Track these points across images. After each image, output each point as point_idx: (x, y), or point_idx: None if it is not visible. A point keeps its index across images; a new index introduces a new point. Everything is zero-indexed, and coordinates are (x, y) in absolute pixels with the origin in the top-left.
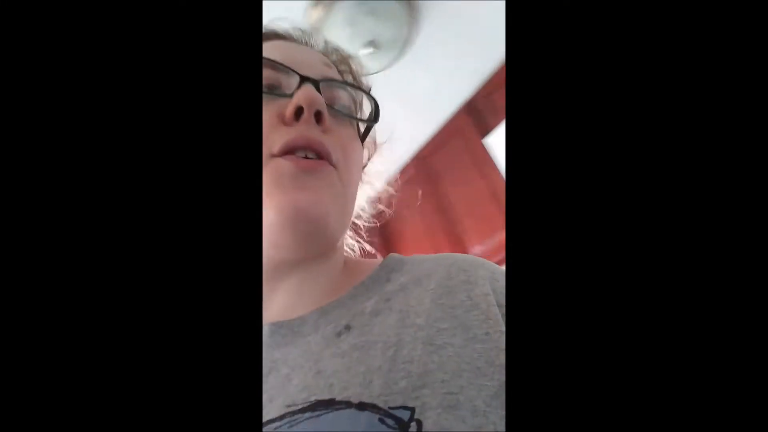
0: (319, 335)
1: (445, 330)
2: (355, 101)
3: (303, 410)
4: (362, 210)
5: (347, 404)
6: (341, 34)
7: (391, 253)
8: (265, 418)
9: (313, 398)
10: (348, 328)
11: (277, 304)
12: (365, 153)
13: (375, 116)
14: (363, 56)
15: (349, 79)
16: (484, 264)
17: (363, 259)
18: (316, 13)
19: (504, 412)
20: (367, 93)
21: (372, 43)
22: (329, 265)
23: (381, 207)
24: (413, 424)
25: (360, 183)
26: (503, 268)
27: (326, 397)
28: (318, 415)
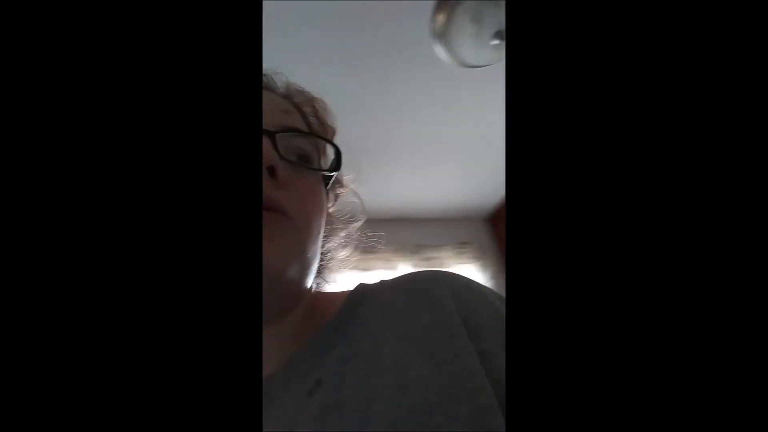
0: (291, 396)
1: (413, 363)
2: (317, 148)
3: None
4: (330, 256)
5: None
6: (468, 32)
7: (360, 283)
8: None
9: None
10: (319, 383)
11: None
12: (332, 197)
13: (337, 165)
14: (493, 47)
15: (313, 121)
16: (444, 279)
17: (332, 292)
18: (442, 18)
19: None
20: (329, 141)
21: (498, 35)
22: (295, 315)
23: (344, 254)
24: None
25: (327, 228)
26: (466, 278)
27: None
28: None
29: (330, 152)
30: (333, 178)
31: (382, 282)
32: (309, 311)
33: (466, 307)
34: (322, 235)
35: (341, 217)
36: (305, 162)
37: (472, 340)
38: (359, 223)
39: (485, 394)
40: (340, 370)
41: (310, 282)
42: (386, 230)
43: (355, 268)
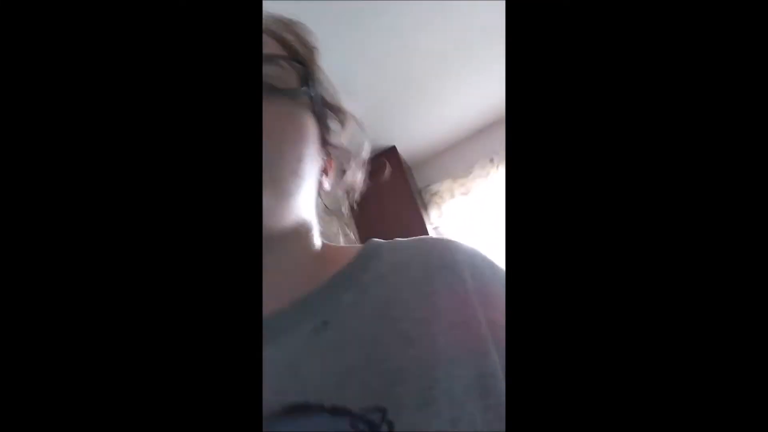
0: (297, 333)
1: (421, 320)
2: (300, 74)
3: (279, 414)
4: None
5: (320, 408)
6: None
7: (371, 239)
8: None
9: (288, 402)
10: (325, 324)
11: None
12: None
13: (304, 84)
14: None
15: (298, 47)
16: (462, 248)
17: (343, 246)
18: None
19: (483, 402)
20: (301, 62)
21: None
22: (295, 251)
23: (341, 192)
24: (384, 425)
25: (322, 161)
26: (481, 252)
27: (301, 400)
28: (292, 419)
29: (323, 78)
30: (318, 103)
31: (396, 241)
32: (320, 258)
33: (479, 276)
34: (302, 162)
35: (341, 147)
36: (269, 89)
37: (483, 309)
38: (365, 151)
39: (489, 361)
40: (348, 313)
41: (302, 210)
42: None
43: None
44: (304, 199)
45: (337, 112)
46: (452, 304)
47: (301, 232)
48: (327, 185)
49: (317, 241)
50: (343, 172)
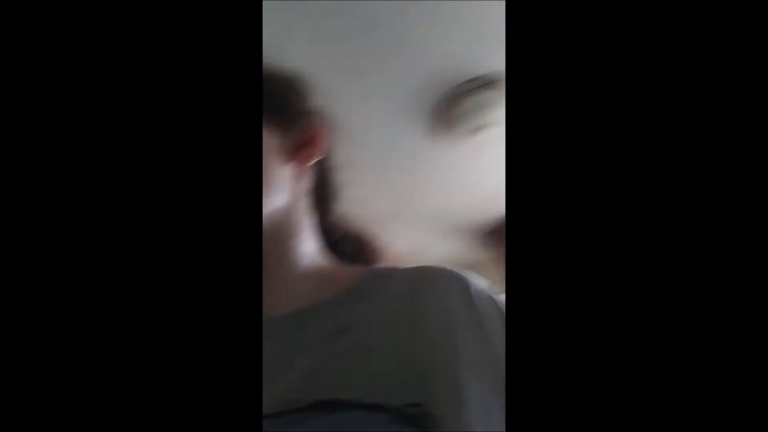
0: (315, 331)
1: (442, 329)
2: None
3: (306, 409)
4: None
5: (354, 405)
6: None
7: (376, 266)
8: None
9: (317, 399)
10: (344, 329)
11: None
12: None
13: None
14: None
15: None
16: (470, 277)
17: (347, 268)
18: None
19: (503, 402)
20: None
21: None
22: (309, 274)
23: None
24: (422, 418)
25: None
26: (483, 280)
27: (330, 397)
28: (324, 415)
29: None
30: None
31: (402, 267)
32: (325, 278)
33: (491, 297)
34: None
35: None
36: None
37: (499, 327)
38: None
39: (503, 369)
40: (366, 322)
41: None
42: None
43: None
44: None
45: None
46: (468, 323)
47: (295, 240)
48: (310, 158)
49: (315, 255)
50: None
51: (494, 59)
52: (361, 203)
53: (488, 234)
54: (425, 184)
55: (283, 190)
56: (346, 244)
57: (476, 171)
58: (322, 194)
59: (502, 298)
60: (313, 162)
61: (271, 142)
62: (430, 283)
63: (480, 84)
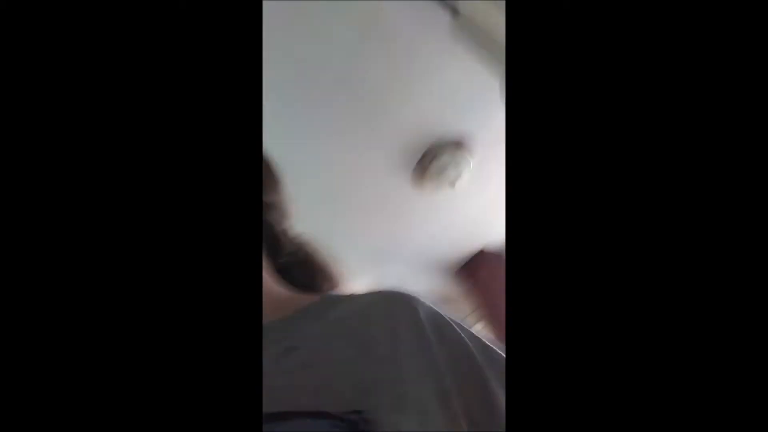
0: (264, 354)
1: (387, 345)
2: None
3: None
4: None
5: (298, 414)
6: None
7: (326, 293)
8: None
9: (264, 411)
10: (292, 349)
11: None
12: None
13: None
14: None
15: None
16: (416, 297)
17: (296, 293)
18: None
19: (445, 412)
20: None
21: None
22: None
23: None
24: (362, 423)
25: None
26: (429, 303)
27: (275, 410)
28: (271, 427)
29: None
30: None
31: (353, 295)
32: (278, 302)
33: (437, 318)
34: None
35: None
36: None
37: (441, 345)
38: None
39: (447, 381)
40: (314, 341)
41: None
42: None
43: None
44: None
45: None
46: (412, 339)
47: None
48: None
49: (268, 280)
50: None
51: (466, 121)
52: (319, 233)
53: (460, 270)
54: (406, 227)
55: None
56: (301, 272)
57: (452, 215)
58: (270, 222)
59: (448, 319)
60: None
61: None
62: (379, 305)
63: (451, 143)
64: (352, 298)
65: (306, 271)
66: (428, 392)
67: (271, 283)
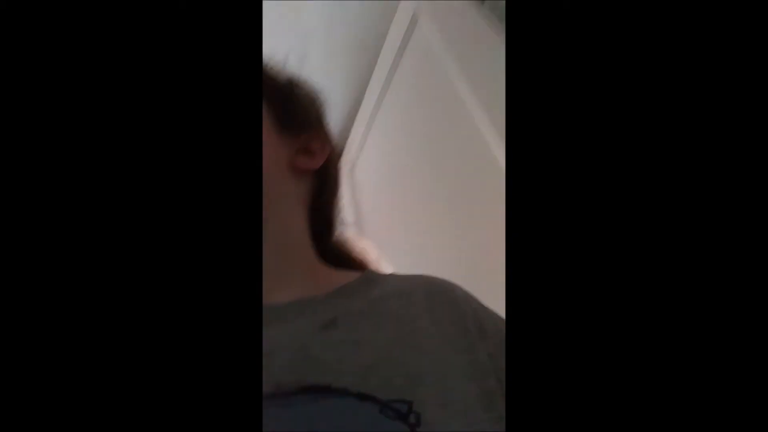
0: (303, 323)
1: (431, 337)
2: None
3: (295, 393)
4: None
5: (345, 392)
6: None
7: (369, 269)
8: None
9: (306, 382)
10: (334, 321)
11: None
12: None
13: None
14: None
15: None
16: (459, 287)
17: (341, 271)
18: None
19: (488, 415)
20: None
21: None
22: (302, 281)
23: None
24: (412, 416)
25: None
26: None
27: (321, 383)
28: (314, 399)
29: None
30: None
31: (395, 274)
32: (314, 275)
33: (478, 312)
34: (281, 190)
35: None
36: None
37: (483, 342)
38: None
39: (491, 381)
40: (357, 318)
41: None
42: None
43: None
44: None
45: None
46: (456, 333)
47: (289, 239)
48: (310, 164)
49: (311, 254)
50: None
51: None
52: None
53: None
54: None
55: (281, 192)
56: (338, 251)
57: None
58: (320, 202)
59: (488, 312)
60: (312, 169)
61: (275, 145)
62: (420, 291)
63: None
64: (394, 277)
65: (346, 253)
66: (472, 392)
67: (313, 260)
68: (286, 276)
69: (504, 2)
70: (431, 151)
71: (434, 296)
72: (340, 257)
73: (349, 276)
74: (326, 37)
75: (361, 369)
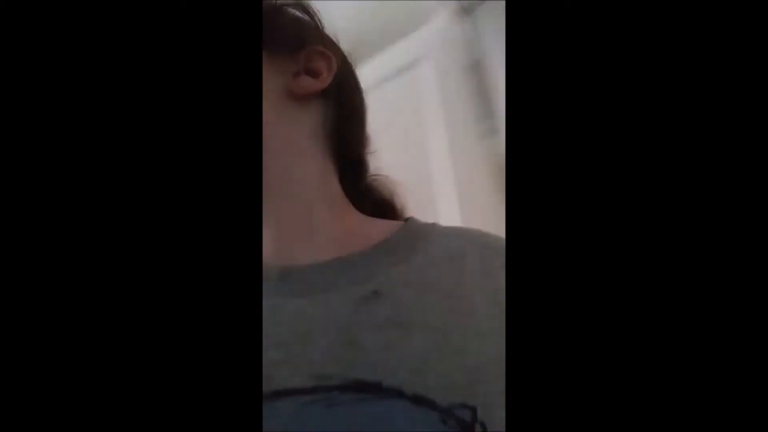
0: (343, 295)
1: (491, 316)
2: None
3: (341, 388)
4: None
5: (399, 394)
6: None
7: (411, 217)
8: (289, 384)
9: (352, 376)
10: (376, 294)
11: (268, 230)
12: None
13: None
14: None
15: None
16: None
17: (377, 219)
18: None
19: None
20: None
21: None
22: (331, 222)
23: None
24: (477, 426)
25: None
26: None
27: (370, 378)
28: (363, 399)
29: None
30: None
31: (443, 226)
32: (353, 222)
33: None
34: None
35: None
36: None
37: None
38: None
39: None
40: (404, 293)
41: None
42: None
43: None
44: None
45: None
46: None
47: (314, 175)
48: (315, 85)
49: (341, 198)
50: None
51: None
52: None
53: None
54: None
55: (282, 125)
56: (369, 195)
57: None
58: (341, 132)
59: None
60: (315, 91)
61: (267, 69)
62: (476, 252)
63: None
64: (440, 231)
65: (380, 196)
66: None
67: (343, 204)
68: (310, 227)
69: None
70: None
71: (486, 263)
72: (375, 202)
73: (388, 227)
74: None
75: (415, 362)
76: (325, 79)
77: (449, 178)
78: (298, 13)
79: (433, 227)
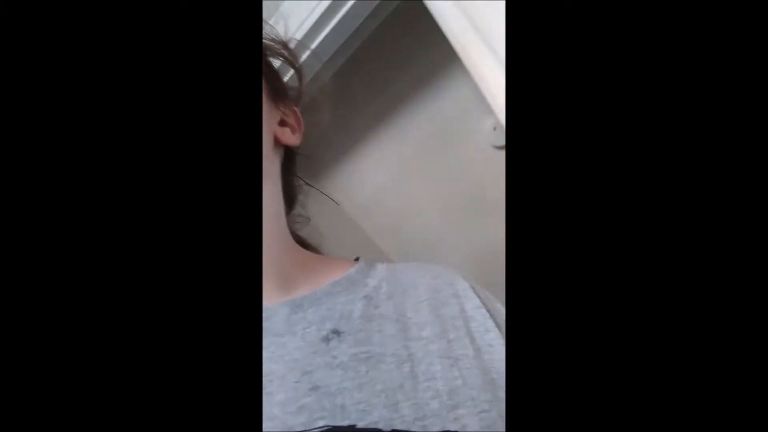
0: (298, 338)
1: (455, 341)
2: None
3: None
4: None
5: None
6: None
7: (359, 258)
8: None
9: (321, 424)
10: (337, 333)
11: None
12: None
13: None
14: None
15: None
16: (462, 276)
17: (328, 257)
18: None
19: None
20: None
21: None
22: (281, 259)
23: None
24: None
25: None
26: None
27: (342, 422)
28: None
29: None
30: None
31: (395, 263)
32: (302, 262)
33: (487, 302)
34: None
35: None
36: None
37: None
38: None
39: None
40: (365, 327)
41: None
42: None
43: None
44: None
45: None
46: (476, 330)
47: (271, 220)
48: (293, 139)
49: (288, 239)
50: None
51: None
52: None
53: None
54: None
55: (266, 168)
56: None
57: None
58: (287, 179)
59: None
60: (293, 144)
61: (266, 113)
62: (427, 282)
63: None
64: (392, 270)
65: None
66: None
67: (293, 243)
68: (271, 266)
69: None
70: None
71: (440, 293)
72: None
73: (338, 265)
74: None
75: (388, 395)
76: (299, 136)
77: None
78: (292, 59)
79: (381, 265)
